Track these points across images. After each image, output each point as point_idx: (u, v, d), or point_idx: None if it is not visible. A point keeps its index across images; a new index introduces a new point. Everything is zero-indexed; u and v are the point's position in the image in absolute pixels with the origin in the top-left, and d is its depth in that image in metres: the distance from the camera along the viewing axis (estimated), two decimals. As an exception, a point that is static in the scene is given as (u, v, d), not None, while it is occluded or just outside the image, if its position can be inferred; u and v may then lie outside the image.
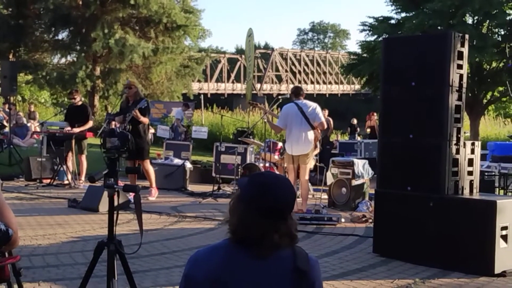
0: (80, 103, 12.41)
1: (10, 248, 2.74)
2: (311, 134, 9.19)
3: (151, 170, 10.48)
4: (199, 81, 40.55)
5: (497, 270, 5.83)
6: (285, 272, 2.18)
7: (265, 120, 10.38)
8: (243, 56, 54.83)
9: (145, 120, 10.01)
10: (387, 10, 71.04)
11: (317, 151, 12.32)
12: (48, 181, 12.02)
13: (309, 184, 11.79)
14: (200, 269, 2.20)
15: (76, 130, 11.80)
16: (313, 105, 9.35)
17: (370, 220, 8.31)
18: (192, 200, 10.81)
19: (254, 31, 32.14)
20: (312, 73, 58.25)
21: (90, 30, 25.08)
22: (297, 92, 9.54)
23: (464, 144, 6.45)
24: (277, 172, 11.63)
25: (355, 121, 28.65)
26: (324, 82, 59.00)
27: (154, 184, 10.58)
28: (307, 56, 59.54)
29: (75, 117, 12.01)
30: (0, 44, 25.29)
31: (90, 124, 12.14)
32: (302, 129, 9.12)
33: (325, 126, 10.23)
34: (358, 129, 29.16)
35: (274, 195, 2.18)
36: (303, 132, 9.13)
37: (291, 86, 54.95)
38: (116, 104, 24.12)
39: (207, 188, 11.70)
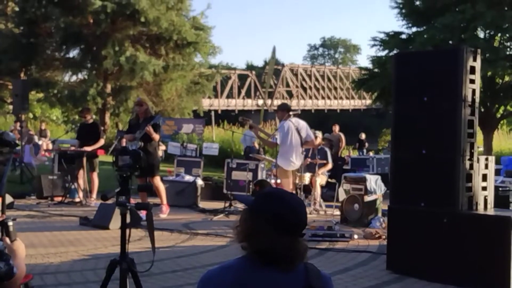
0: (91, 121, 12.49)
1: (8, 286, 2.72)
2: None
3: (161, 186, 10.48)
4: (209, 97, 40.61)
5: (513, 287, 5.75)
6: None
7: (257, 135, 10.91)
8: (253, 72, 55.05)
9: (156, 136, 10.04)
10: (397, 25, 71.18)
11: (329, 167, 12.32)
12: (60, 198, 12.04)
13: (321, 200, 11.75)
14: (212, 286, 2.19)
15: (88, 148, 11.84)
16: (304, 123, 10.20)
17: (384, 237, 8.24)
18: (203, 217, 10.77)
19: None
20: (323, 88, 58.28)
21: (101, 48, 25.22)
22: (289, 109, 10.31)
23: (478, 159, 6.40)
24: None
25: (363, 136, 28.65)
26: (335, 98, 58.97)
27: (165, 201, 10.56)
28: (318, 71, 59.59)
29: (87, 135, 12.05)
30: (12, 63, 25.47)
31: (101, 142, 12.18)
32: (300, 145, 10.00)
33: (316, 144, 11.21)
34: (367, 144, 29.15)
35: (300, 214, 2.24)
36: (300, 148, 10.01)
37: (302, 101, 54.89)
38: (127, 121, 24.22)
39: (219, 205, 11.66)
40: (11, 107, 24.51)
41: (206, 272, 2.27)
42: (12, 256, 2.74)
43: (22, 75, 26.56)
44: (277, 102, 54.23)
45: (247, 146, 19.33)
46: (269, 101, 52.21)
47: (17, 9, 26.97)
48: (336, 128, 20.22)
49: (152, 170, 9.95)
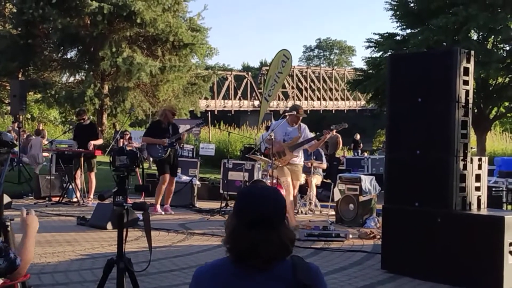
0: (88, 121, 12.55)
1: (13, 278, 2.76)
2: None
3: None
4: (206, 98, 40.67)
5: (506, 286, 5.80)
6: (287, 286, 2.18)
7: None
8: (249, 73, 55.14)
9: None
10: (392, 27, 71.48)
11: (324, 167, 12.38)
12: (57, 199, 12.08)
13: (317, 200, 11.81)
14: (202, 286, 2.26)
15: (92, 144, 11.89)
16: None
17: (378, 236, 8.30)
18: (200, 217, 10.82)
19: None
20: (319, 89, 58.43)
21: (98, 49, 25.25)
22: None
23: (471, 159, 6.45)
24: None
25: (358, 137, 28.72)
26: (330, 99, 59.14)
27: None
28: (313, 72, 59.76)
29: (84, 135, 12.09)
30: (10, 64, 25.46)
31: (100, 141, 12.24)
32: None
33: None
34: (362, 144, 29.24)
35: (258, 205, 2.22)
36: None
37: (298, 102, 54.85)
38: (124, 122, 24.24)
39: (215, 204, 11.72)
40: (9, 107, 24.49)
41: (196, 270, 2.34)
42: (24, 233, 2.74)
43: (20, 76, 26.54)
44: (272, 103, 54.33)
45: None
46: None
47: (14, 10, 26.94)
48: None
49: (176, 169, 11.12)
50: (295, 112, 9.40)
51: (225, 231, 2.30)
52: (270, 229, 2.20)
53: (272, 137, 9.82)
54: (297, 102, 54.89)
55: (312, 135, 9.76)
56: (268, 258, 2.19)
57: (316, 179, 11.88)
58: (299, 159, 9.58)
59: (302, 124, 9.61)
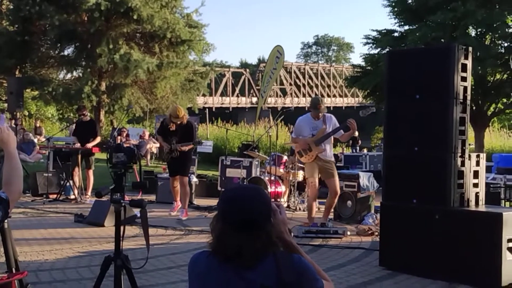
0: (88, 118, 12.55)
1: (12, 204, 2.71)
2: None
3: (188, 188, 10.62)
4: (204, 95, 40.61)
5: (504, 282, 5.81)
6: (271, 284, 2.18)
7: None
8: (247, 70, 55.09)
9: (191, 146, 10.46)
10: (390, 23, 71.38)
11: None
12: (55, 196, 12.05)
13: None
14: (192, 271, 2.34)
15: (89, 145, 11.86)
16: None
17: (376, 233, 8.30)
18: (198, 214, 10.81)
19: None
20: (316, 86, 58.34)
21: (95, 46, 25.19)
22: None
23: (469, 156, 6.44)
24: (282, 186, 11.66)
25: (356, 133, 28.64)
26: (328, 95, 59.03)
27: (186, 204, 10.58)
28: (311, 69, 59.69)
29: (84, 132, 12.09)
30: (7, 61, 25.39)
31: (98, 139, 12.22)
32: None
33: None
34: (360, 141, 29.17)
35: (243, 208, 2.21)
36: None
37: (296, 99, 54.42)
38: (122, 119, 24.19)
39: (213, 202, 11.70)
40: (6, 104, 24.40)
41: (194, 254, 2.39)
42: (6, 154, 2.70)
43: (17, 72, 26.47)
44: (270, 99, 54.33)
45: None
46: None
47: (11, 7, 26.86)
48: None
49: (184, 169, 10.28)
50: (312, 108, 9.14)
51: (211, 234, 2.30)
52: (257, 230, 2.20)
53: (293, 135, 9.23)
54: (295, 99, 54.88)
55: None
56: (256, 256, 2.19)
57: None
58: (327, 153, 9.03)
59: (326, 114, 9.21)
